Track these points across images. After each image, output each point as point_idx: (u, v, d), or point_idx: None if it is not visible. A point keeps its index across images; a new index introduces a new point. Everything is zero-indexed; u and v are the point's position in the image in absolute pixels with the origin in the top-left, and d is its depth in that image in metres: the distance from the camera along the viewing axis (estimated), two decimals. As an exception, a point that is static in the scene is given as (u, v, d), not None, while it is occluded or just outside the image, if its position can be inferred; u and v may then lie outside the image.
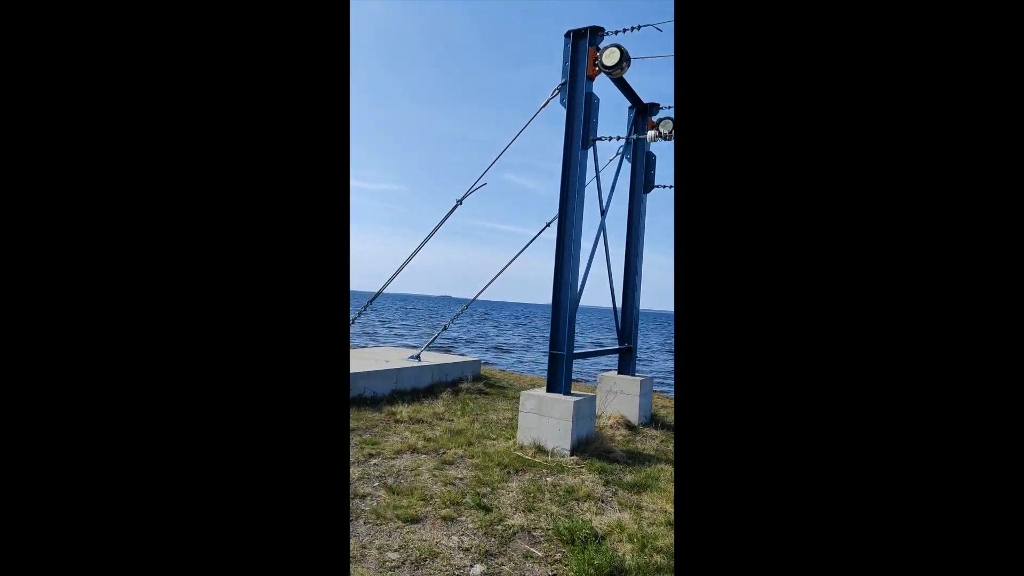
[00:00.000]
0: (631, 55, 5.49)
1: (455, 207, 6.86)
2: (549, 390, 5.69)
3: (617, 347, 7.51)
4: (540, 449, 5.40)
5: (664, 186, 7.53)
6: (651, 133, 6.90)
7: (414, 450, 5.28)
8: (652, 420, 7.43)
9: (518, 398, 8.83)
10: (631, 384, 7.24)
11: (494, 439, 5.89)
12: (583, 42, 5.73)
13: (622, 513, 4.01)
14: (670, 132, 7.15)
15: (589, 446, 5.47)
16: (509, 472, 4.78)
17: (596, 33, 5.69)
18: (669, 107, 7.41)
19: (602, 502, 4.23)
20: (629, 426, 6.95)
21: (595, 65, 5.69)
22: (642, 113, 7.50)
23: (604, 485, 4.60)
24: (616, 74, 5.63)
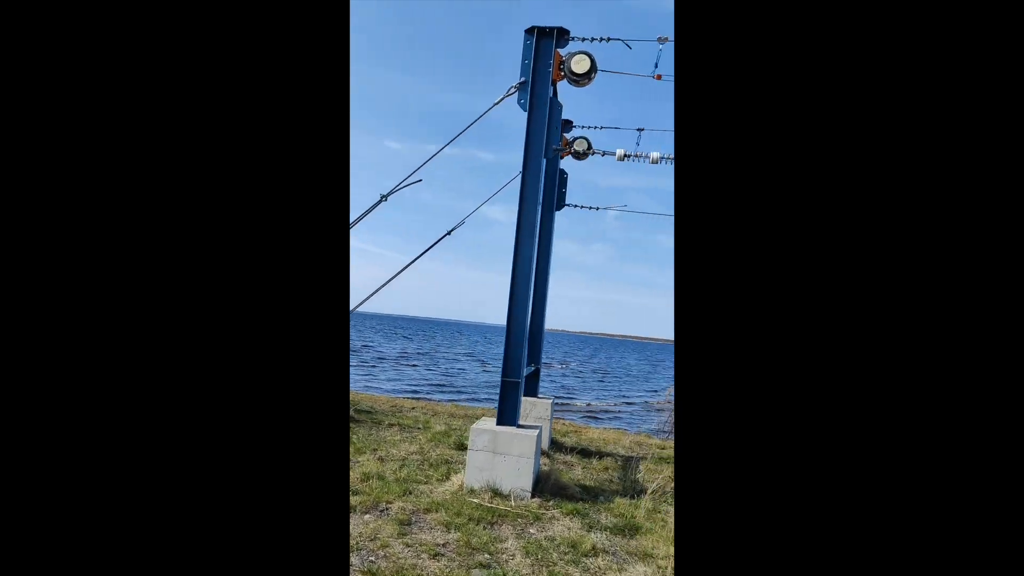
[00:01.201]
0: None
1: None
2: (501, 422, 5.02)
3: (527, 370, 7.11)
4: (496, 492, 4.70)
5: (576, 205, 7.44)
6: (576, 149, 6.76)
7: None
8: (552, 443, 7.19)
9: (397, 424, 7.84)
10: (541, 407, 6.91)
11: (425, 482, 4.98)
12: (548, 42, 5.28)
13: (644, 566, 3.62)
14: (585, 151, 7.10)
15: (546, 484, 4.96)
16: (483, 526, 4.02)
17: (563, 35, 5.29)
18: (583, 127, 7.36)
19: (611, 555, 3.77)
20: (542, 452, 6.60)
21: (560, 69, 5.30)
22: (558, 128, 7.31)
23: (588, 531, 4.15)
24: (582, 83, 5.32)
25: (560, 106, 5.38)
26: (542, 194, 5.28)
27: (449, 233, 7.64)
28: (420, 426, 7.81)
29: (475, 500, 4.53)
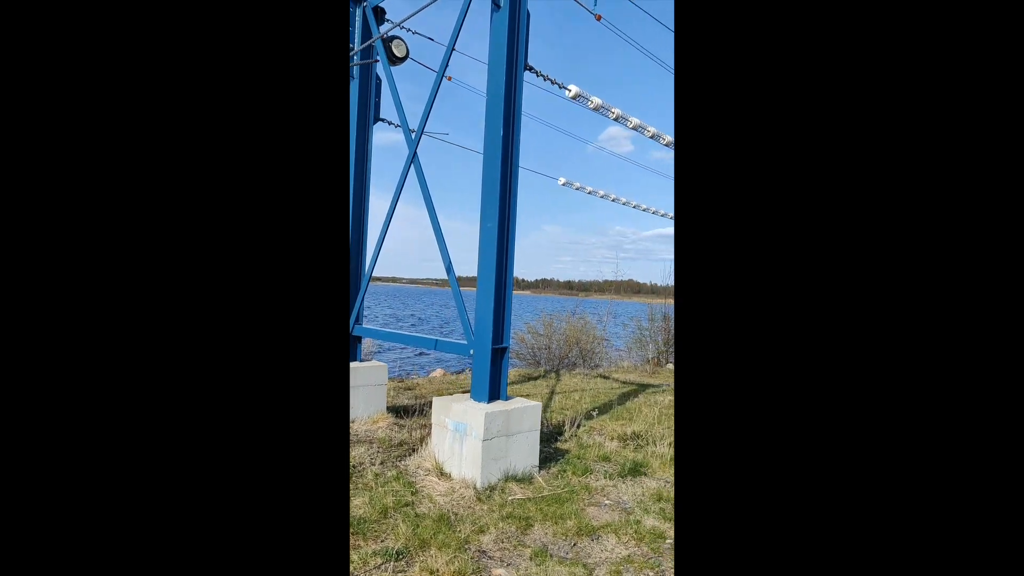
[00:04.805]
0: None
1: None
2: (492, 399, 4.17)
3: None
4: (513, 479, 4.04)
5: (390, 123, 6.00)
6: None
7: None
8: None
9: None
10: (375, 372, 5.77)
11: (410, 498, 3.72)
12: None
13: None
14: (404, 56, 5.93)
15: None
16: (589, 521, 3.58)
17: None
18: (397, 25, 5.95)
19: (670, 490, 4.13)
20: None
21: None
22: (375, 15, 5.68)
23: (621, 479, 4.28)
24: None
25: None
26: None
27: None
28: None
29: (517, 497, 3.83)
